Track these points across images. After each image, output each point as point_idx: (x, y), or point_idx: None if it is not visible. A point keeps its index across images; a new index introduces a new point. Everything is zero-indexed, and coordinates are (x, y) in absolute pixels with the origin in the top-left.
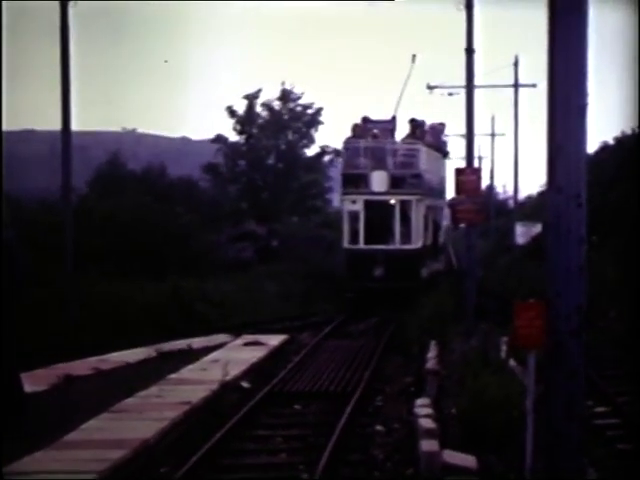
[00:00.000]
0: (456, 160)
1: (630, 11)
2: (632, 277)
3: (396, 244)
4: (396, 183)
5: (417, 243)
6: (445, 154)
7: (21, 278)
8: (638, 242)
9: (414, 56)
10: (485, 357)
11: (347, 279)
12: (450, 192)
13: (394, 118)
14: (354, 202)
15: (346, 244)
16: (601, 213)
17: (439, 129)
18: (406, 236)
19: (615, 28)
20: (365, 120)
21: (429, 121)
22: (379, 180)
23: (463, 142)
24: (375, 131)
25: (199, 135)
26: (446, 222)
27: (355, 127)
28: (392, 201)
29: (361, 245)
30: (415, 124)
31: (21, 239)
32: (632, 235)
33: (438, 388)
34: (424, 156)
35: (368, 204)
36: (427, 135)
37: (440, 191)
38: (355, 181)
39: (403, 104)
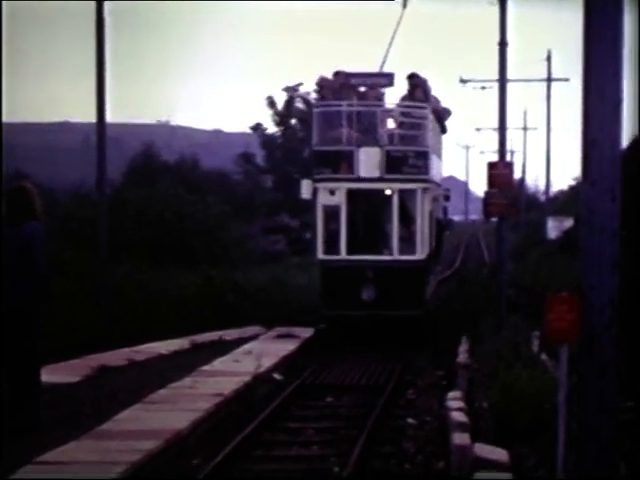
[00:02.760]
0: (488, 154)
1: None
2: None
3: (393, 254)
4: (394, 165)
5: (422, 252)
6: (443, 128)
7: (43, 270)
8: None
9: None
10: (517, 351)
11: (321, 304)
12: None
13: (391, 74)
14: (332, 193)
15: (320, 254)
16: (634, 207)
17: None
18: (408, 242)
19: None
20: (344, 75)
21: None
22: (369, 160)
23: (495, 135)
24: (362, 89)
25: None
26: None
27: (330, 80)
28: (388, 191)
29: (342, 255)
30: (415, 81)
31: (46, 230)
32: None
33: (469, 381)
34: (432, 127)
35: (352, 196)
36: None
37: (440, 178)
38: (333, 161)
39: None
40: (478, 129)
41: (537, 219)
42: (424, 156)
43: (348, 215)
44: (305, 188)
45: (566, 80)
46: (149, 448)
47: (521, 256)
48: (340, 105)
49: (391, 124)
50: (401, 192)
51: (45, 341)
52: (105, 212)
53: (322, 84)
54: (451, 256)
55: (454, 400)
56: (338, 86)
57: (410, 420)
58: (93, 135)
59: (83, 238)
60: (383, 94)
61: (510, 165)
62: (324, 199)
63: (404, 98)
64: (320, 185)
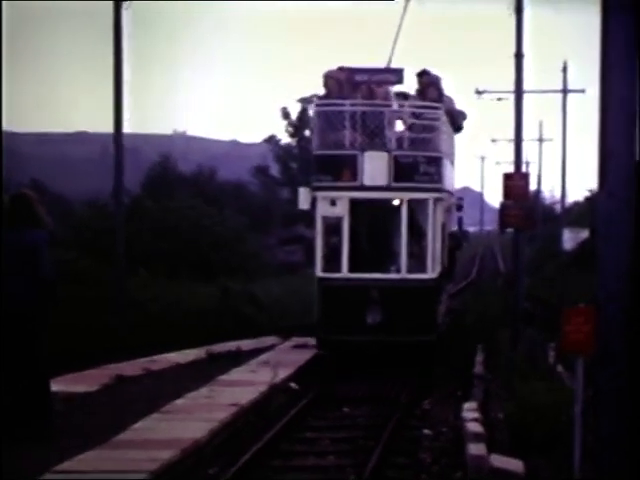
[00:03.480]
0: (504, 165)
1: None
2: None
3: (401, 272)
4: (403, 172)
5: (434, 270)
6: (458, 127)
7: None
8: None
9: None
10: (533, 362)
11: (319, 328)
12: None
13: (400, 70)
14: (333, 203)
15: (319, 272)
16: None
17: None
18: (418, 259)
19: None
20: (347, 70)
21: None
22: (374, 166)
23: (511, 147)
24: (370, 86)
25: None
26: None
27: (337, 72)
28: (396, 201)
29: (344, 273)
30: (427, 79)
31: (60, 239)
32: None
33: (485, 392)
34: (446, 130)
35: (356, 206)
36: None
37: (454, 186)
38: (334, 168)
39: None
40: (494, 140)
41: (553, 231)
42: (437, 162)
43: (351, 228)
44: (303, 197)
45: (582, 91)
46: (166, 457)
47: (537, 268)
48: (343, 104)
49: (400, 126)
50: (411, 202)
51: (60, 349)
52: (122, 223)
53: (328, 76)
54: (467, 267)
55: (470, 411)
56: (344, 79)
57: (426, 431)
58: (110, 146)
59: (99, 248)
60: (391, 93)
61: (526, 176)
62: (324, 210)
63: (414, 98)
64: (320, 194)
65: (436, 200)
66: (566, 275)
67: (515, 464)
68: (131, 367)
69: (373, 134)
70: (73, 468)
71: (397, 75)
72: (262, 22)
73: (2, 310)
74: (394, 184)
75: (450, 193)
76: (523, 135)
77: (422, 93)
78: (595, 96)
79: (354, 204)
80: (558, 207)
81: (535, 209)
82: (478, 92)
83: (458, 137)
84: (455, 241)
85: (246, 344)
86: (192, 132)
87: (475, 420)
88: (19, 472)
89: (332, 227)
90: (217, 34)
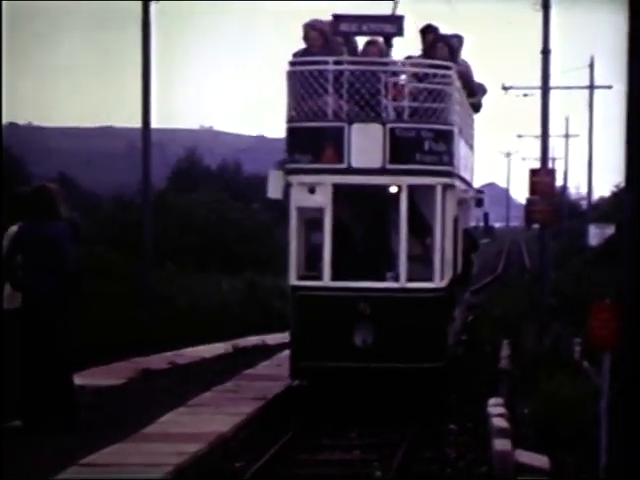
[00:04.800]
0: (530, 161)
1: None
2: None
3: (401, 280)
4: (402, 150)
5: (443, 278)
6: (478, 107)
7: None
8: None
9: None
10: (558, 357)
11: (295, 352)
12: (477, 176)
13: (400, 18)
14: (311, 190)
15: (293, 279)
16: None
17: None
18: (422, 263)
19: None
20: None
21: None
22: (365, 143)
23: (537, 143)
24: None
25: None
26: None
27: (318, 27)
28: (393, 188)
29: (326, 282)
30: (434, 37)
31: (85, 233)
32: None
33: (510, 388)
34: (460, 99)
35: (341, 194)
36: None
37: (471, 173)
38: (314, 145)
39: None
40: (520, 136)
41: (579, 226)
42: (446, 138)
43: (335, 223)
44: (273, 183)
45: (609, 87)
46: (193, 451)
47: (563, 264)
48: (325, 62)
49: (400, 91)
50: (412, 190)
51: (88, 343)
52: (150, 217)
53: (309, 26)
54: (493, 262)
55: (495, 406)
56: (330, 31)
57: (452, 426)
58: (137, 140)
59: (126, 243)
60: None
61: (552, 172)
62: (300, 199)
63: (419, 57)
64: (294, 179)
65: (445, 187)
66: (592, 271)
67: (540, 459)
68: (158, 361)
69: (364, 101)
70: (99, 461)
71: (395, 25)
72: (289, 17)
73: (24, 303)
74: (391, 166)
75: (466, 182)
76: (549, 131)
77: (428, 54)
78: (622, 92)
79: (339, 192)
80: (584, 203)
81: (561, 205)
82: (504, 88)
83: (480, 126)
84: (471, 242)
85: (273, 338)
86: (218, 127)
87: (500, 415)
88: (45, 465)
89: (311, 222)
90: (244, 29)
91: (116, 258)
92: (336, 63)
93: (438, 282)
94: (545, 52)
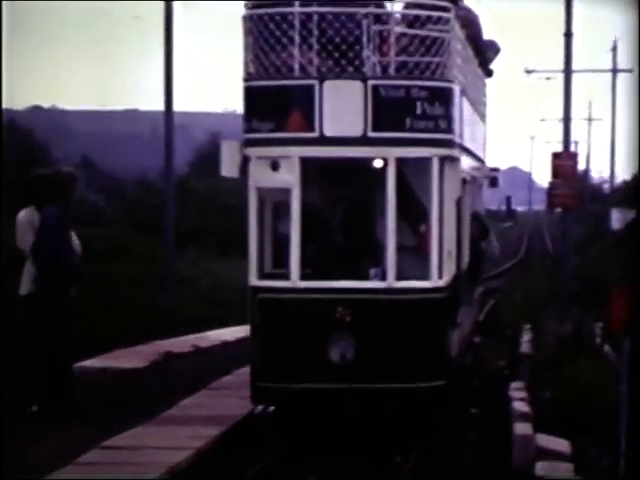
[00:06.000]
0: (553, 144)
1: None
2: None
3: (388, 279)
4: (389, 115)
5: (443, 275)
6: (489, 72)
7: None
8: None
9: None
10: (580, 342)
11: (257, 370)
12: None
13: None
14: (274, 166)
15: (253, 279)
16: None
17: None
18: (415, 257)
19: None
20: None
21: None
22: (342, 106)
23: (560, 126)
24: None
25: None
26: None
27: None
28: (377, 162)
29: (293, 282)
30: None
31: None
32: None
33: (532, 372)
34: (462, 51)
35: (313, 172)
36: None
37: (483, 146)
38: (276, 108)
39: None
40: (543, 119)
41: (602, 210)
42: (445, 98)
43: (304, 207)
44: (227, 157)
45: (630, 71)
46: (214, 434)
47: (585, 248)
48: (290, 3)
49: (386, 40)
50: (402, 163)
51: (110, 325)
52: (172, 200)
53: None
54: (515, 246)
55: (517, 390)
56: None
57: (473, 410)
58: (160, 124)
59: (148, 226)
60: None
61: (574, 156)
62: (260, 178)
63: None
64: (253, 152)
65: (444, 160)
66: (614, 255)
67: (561, 444)
68: (180, 344)
69: (340, 53)
70: (120, 444)
71: None
72: None
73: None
74: (374, 134)
75: (474, 155)
76: (572, 114)
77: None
78: None
79: (309, 168)
80: (606, 187)
81: (583, 189)
82: (527, 71)
83: (503, 109)
84: (480, 228)
85: None
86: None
87: (522, 399)
88: (66, 448)
89: (275, 206)
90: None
91: (139, 241)
92: (303, 5)
93: (436, 280)
94: (567, 35)
